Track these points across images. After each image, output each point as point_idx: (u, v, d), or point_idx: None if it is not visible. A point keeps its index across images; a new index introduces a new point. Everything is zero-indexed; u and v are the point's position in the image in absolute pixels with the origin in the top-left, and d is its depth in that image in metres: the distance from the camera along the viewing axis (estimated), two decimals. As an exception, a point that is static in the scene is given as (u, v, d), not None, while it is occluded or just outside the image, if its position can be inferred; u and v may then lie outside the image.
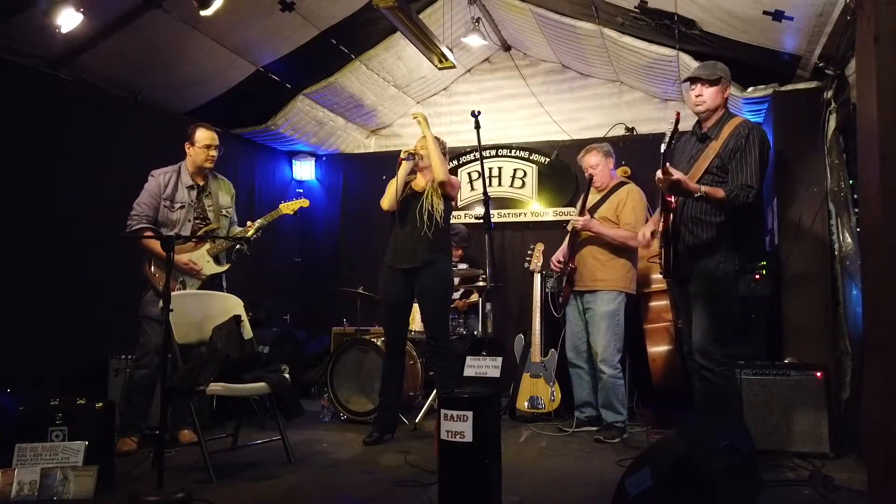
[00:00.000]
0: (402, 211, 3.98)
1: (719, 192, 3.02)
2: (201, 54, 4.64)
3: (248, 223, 4.01)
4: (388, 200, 3.98)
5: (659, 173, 2.96)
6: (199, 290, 3.85)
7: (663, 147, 3.04)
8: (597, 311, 4.13)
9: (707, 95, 3.22)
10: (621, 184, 4.31)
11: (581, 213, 4.22)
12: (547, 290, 4.77)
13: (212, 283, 3.95)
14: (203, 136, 3.91)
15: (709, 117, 3.27)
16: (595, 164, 4.25)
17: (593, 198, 4.30)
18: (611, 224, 4.16)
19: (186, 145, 3.93)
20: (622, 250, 4.16)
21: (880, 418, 1.91)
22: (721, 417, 3.10)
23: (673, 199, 3.10)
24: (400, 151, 4.11)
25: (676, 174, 2.96)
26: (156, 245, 3.75)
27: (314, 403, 4.98)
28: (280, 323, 5.86)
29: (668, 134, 3.05)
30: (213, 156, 3.94)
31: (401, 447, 3.77)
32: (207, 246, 3.93)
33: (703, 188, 3.00)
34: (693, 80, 3.27)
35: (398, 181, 3.94)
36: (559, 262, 4.30)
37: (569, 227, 4.39)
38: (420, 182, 4.06)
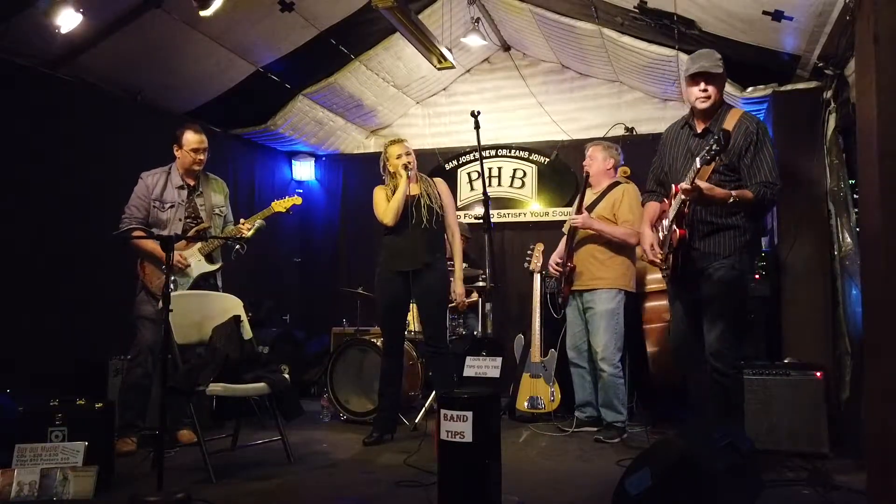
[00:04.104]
0: (400, 217, 3.95)
1: (747, 194, 2.93)
2: (201, 54, 4.64)
3: (242, 221, 4.00)
4: (392, 215, 3.89)
5: (684, 185, 2.88)
6: (194, 289, 3.84)
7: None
8: (597, 310, 4.12)
9: (713, 90, 3.05)
10: (616, 183, 4.30)
11: (578, 212, 4.22)
12: (547, 290, 4.77)
13: (205, 281, 3.94)
14: (190, 139, 3.88)
15: (710, 112, 3.11)
16: (596, 157, 4.27)
17: (589, 197, 4.30)
18: (608, 222, 4.16)
19: (174, 147, 3.91)
20: (621, 248, 4.15)
21: (880, 418, 1.91)
22: (726, 418, 3.09)
23: (687, 208, 3.01)
24: (396, 155, 4.06)
25: (704, 184, 2.88)
26: (146, 244, 3.76)
27: (314, 403, 4.98)
28: (280, 323, 5.86)
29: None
30: (200, 159, 3.90)
31: (401, 447, 3.76)
32: (199, 245, 3.92)
33: (734, 193, 2.90)
34: (699, 74, 3.05)
35: (400, 195, 3.91)
36: (557, 264, 4.30)
37: (564, 229, 4.42)
38: (410, 187, 4.03)
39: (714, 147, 2.78)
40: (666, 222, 3.12)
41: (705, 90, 3.06)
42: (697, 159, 2.87)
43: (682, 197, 2.92)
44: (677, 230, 3.03)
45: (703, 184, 2.89)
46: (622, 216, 4.13)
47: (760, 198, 2.95)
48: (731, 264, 3.04)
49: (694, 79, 3.08)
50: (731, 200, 2.90)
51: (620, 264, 4.16)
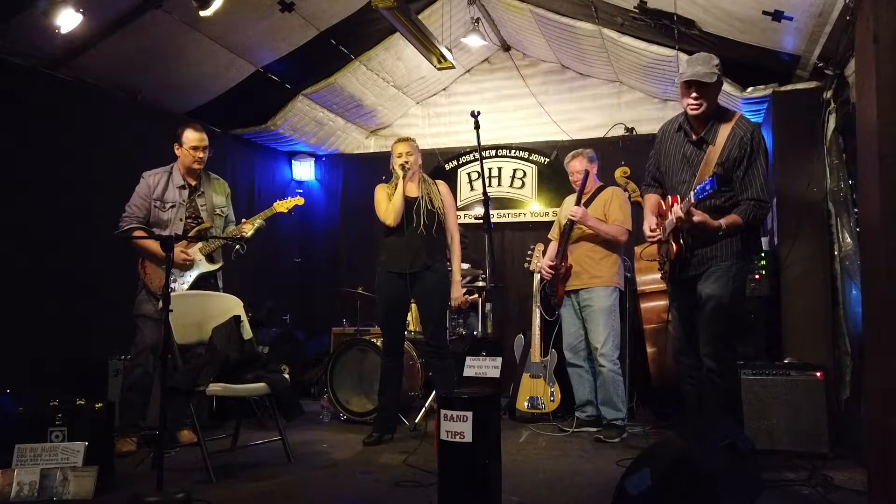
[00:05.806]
0: (401, 218, 3.95)
1: (737, 220, 2.95)
2: (201, 54, 4.64)
3: (243, 221, 4.00)
4: (393, 215, 3.90)
5: (678, 212, 2.90)
6: (194, 289, 3.84)
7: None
8: (595, 307, 4.17)
9: (706, 98, 3.02)
10: (603, 187, 4.40)
11: (578, 203, 4.24)
12: (546, 291, 4.78)
13: (206, 281, 3.94)
14: (190, 137, 3.88)
15: (703, 119, 3.08)
16: (580, 169, 4.30)
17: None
18: (600, 221, 4.22)
19: (175, 146, 3.91)
20: (613, 247, 4.24)
21: (880, 418, 1.91)
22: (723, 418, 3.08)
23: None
24: (398, 154, 4.07)
25: (699, 216, 2.90)
26: (147, 244, 3.76)
27: (314, 403, 4.98)
28: (280, 323, 5.87)
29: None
30: (200, 157, 3.90)
31: (401, 447, 3.76)
32: (200, 245, 3.92)
33: (723, 223, 2.93)
34: (692, 82, 3.00)
35: (399, 195, 3.91)
36: (550, 266, 4.33)
37: (551, 235, 4.54)
38: (410, 188, 4.04)
39: (707, 189, 2.80)
40: (664, 227, 3.16)
41: (697, 98, 3.02)
42: (692, 195, 2.88)
43: (676, 224, 2.98)
44: (673, 244, 3.09)
45: (697, 216, 2.91)
46: (612, 215, 4.22)
47: (750, 219, 2.98)
48: (727, 267, 3.05)
49: (687, 85, 3.04)
50: (721, 233, 2.94)
51: (613, 263, 4.25)
